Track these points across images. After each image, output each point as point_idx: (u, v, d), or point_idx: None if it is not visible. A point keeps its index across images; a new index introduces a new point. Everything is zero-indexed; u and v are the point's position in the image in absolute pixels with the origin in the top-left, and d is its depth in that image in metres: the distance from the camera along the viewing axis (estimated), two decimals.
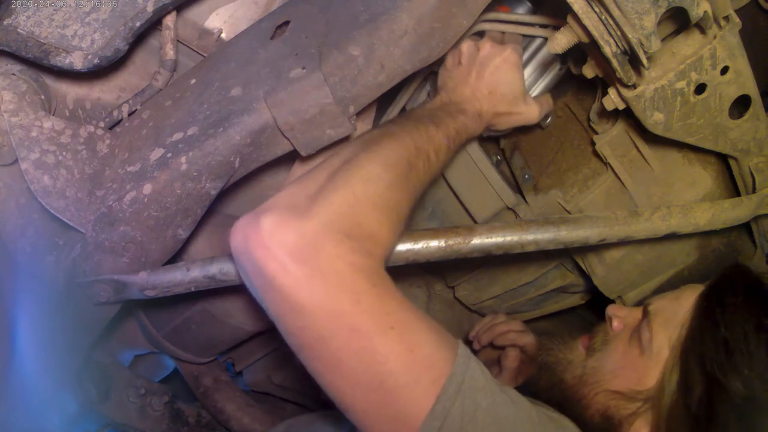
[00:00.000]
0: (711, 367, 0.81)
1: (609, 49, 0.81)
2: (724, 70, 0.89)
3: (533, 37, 1.13)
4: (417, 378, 0.64)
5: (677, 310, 0.91)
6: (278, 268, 0.64)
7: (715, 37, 0.86)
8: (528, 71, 1.15)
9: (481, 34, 1.08)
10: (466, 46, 1.01)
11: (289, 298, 0.64)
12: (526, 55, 1.14)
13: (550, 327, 1.66)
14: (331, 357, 0.65)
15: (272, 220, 0.66)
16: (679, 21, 0.87)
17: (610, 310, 1.02)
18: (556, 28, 0.90)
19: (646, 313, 0.94)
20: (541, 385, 1.03)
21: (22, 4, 0.84)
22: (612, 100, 0.92)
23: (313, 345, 0.66)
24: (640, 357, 0.90)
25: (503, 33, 1.08)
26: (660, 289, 1.19)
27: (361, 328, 0.64)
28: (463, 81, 1.00)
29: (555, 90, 1.21)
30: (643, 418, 0.86)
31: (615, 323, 0.99)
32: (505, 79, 1.00)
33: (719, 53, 0.87)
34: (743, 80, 0.90)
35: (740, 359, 0.80)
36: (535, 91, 1.18)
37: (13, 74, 0.90)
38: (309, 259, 0.64)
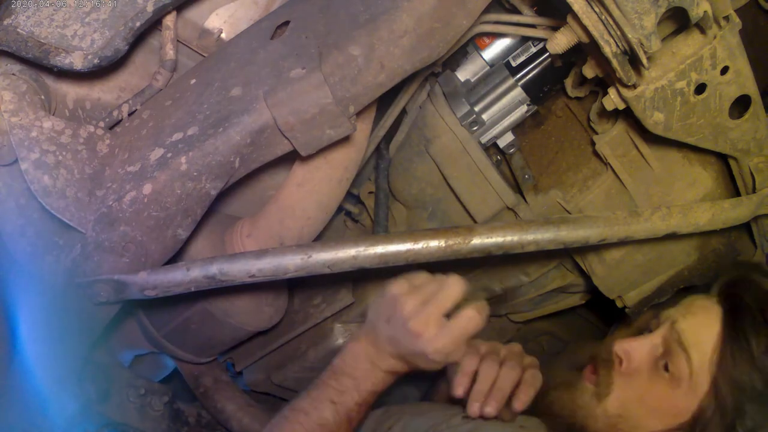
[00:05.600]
0: (744, 387, 0.86)
1: (609, 49, 0.81)
2: (724, 70, 0.88)
3: (532, 39, 1.14)
4: None
5: (704, 331, 0.92)
6: None
7: (715, 37, 0.85)
8: (494, 109, 1.18)
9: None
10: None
11: None
12: (490, 97, 1.18)
13: (550, 327, 1.67)
14: None
15: None
16: (679, 21, 0.87)
17: (619, 348, 0.97)
18: (556, 28, 0.91)
19: (677, 343, 0.92)
20: None
21: (22, 4, 0.84)
22: (612, 100, 0.92)
23: None
24: (672, 392, 0.90)
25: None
26: (660, 290, 1.18)
27: None
28: None
29: (550, 100, 1.22)
30: None
31: (624, 366, 0.96)
32: None
33: (719, 53, 0.86)
34: (743, 80, 0.90)
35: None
36: (499, 128, 1.20)
37: (13, 74, 0.90)
38: None
